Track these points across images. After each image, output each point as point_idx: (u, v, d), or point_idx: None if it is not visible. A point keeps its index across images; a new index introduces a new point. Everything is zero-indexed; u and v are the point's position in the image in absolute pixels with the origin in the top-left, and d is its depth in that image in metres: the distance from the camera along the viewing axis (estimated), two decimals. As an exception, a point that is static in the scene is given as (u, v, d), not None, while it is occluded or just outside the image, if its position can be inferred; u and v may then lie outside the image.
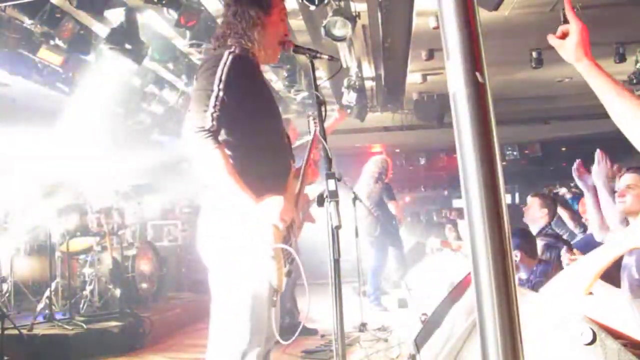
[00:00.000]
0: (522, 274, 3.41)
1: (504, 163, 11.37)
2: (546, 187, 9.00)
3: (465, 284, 2.61)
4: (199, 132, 1.92)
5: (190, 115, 1.99)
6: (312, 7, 4.58)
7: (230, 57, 2.05)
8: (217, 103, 1.96)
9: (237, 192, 1.94)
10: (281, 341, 2.10)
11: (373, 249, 6.37)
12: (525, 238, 3.58)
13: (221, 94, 1.97)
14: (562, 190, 7.25)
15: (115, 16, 5.02)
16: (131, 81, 6.80)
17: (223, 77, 2.00)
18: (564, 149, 12.78)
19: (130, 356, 4.27)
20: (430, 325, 2.88)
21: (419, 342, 2.81)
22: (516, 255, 3.34)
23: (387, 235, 6.43)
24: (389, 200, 6.57)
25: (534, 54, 6.43)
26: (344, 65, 6.54)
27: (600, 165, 3.01)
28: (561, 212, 4.84)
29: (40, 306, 4.74)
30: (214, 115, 1.95)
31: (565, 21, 1.59)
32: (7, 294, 5.19)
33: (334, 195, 1.97)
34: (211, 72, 2.01)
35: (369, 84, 8.53)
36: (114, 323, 4.59)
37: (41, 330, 4.38)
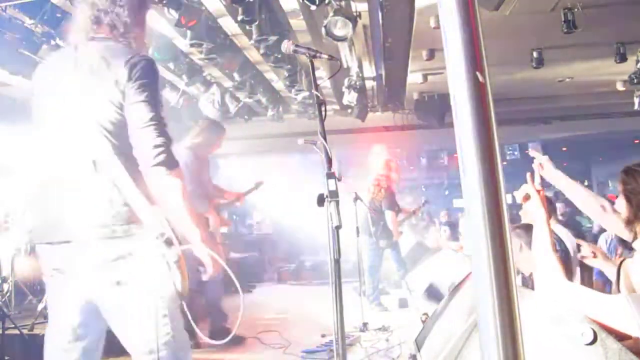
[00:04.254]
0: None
1: (504, 163, 11.37)
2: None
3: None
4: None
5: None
6: (313, 7, 4.58)
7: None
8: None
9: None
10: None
11: (368, 250, 6.35)
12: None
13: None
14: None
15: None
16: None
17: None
18: (564, 149, 12.78)
19: (130, 356, 4.26)
20: (430, 324, 2.89)
21: (420, 341, 2.81)
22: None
23: (382, 237, 6.41)
24: (387, 208, 6.45)
25: (535, 54, 6.43)
26: (345, 65, 6.53)
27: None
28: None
29: (40, 306, 4.74)
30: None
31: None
32: (7, 294, 5.19)
33: (334, 195, 1.97)
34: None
35: (369, 83, 8.53)
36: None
37: (42, 330, 4.38)
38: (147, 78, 1.87)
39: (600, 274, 4.29)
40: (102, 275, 1.83)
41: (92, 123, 1.85)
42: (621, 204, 2.31)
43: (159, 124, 1.85)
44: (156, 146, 1.82)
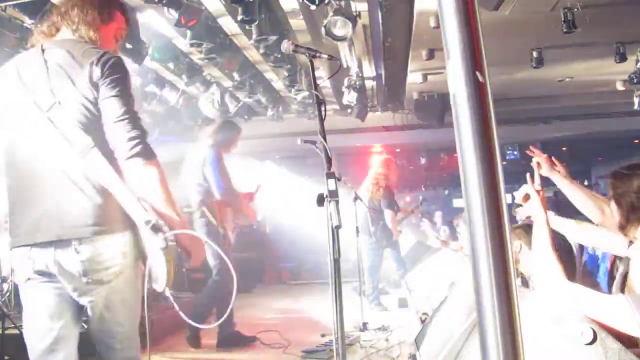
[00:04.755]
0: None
1: (505, 163, 11.37)
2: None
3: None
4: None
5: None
6: (313, 7, 4.58)
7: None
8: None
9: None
10: None
11: (368, 250, 6.35)
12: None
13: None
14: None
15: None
16: (131, 81, 6.79)
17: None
18: (564, 149, 12.77)
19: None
20: (430, 324, 2.89)
21: (420, 341, 2.81)
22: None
23: (382, 237, 6.41)
24: (386, 208, 6.44)
25: (535, 54, 6.42)
26: (345, 65, 6.53)
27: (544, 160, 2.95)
28: None
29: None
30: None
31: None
32: (7, 294, 5.19)
33: (334, 195, 1.97)
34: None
35: (369, 83, 8.53)
36: (114, 323, 4.58)
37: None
38: (118, 74, 1.91)
39: (592, 260, 4.31)
40: (90, 276, 1.86)
41: (69, 121, 1.86)
42: (613, 209, 2.28)
43: (133, 118, 1.88)
44: (131, 139, 1.84)
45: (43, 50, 2.01)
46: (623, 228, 2.20)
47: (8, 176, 1.98)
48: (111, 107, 1.87)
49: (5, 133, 2.00)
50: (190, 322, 2.10)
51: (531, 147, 3.04)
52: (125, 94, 1.90)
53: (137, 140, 1.85)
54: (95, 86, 1.88)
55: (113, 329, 1.96)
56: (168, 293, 1.89)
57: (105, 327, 1.96)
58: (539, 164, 2.75)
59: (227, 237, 4.78)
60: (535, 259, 2.19)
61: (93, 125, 1.87)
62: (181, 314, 1.97)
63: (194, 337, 4.56)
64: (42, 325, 1.93)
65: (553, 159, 2.92)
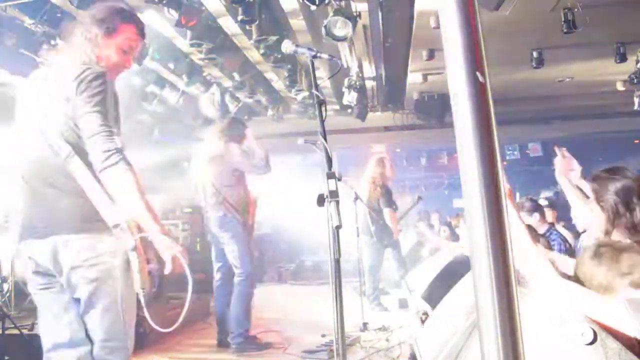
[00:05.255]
0: None
1: (504, 163, 11.37)
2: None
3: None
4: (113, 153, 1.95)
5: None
6: (313, 7, 4.58)
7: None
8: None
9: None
10: None
11: (368, 249, 6.35)
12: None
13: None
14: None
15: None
16: (132, 81, 6.80)
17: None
18: (564, 149, 12.76)
19: (130, 356, 4.27)
20: (430, 324, 2.88)
21: (420, 341, 2.81)
22: None
23: (382, 236, 6.41)
24: (384, 206, 6.44)
25: (535, 54, 6.43)
26: (345, 65, 6.53)
27: (562, 161, 2.94)
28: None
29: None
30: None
31: None
32: (7, 294, 5.20)
33: (334, 195, 1.97)
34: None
35: (369, 83, 8.54)
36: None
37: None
38: (94, 90, 1.99)
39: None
40: (77, 272, 2.00)
41: (54, 132, 2.02)
42: (596, 212, 2.27)
43: (107, 132, 1.96)
44: (105, 151, 1.93)
45: (50, 65, 2.23)
46: (608, 233, 2.18)
47: (22, 177, 2.16)
48: (86, 123, 1.96)
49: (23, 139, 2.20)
50: (160, 329, 2.11)
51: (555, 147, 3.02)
52: (99, 110, 1.97)
53: (109, 153, 1.93)
54: (73, 102, 1.98)
55: (99, 326, 2.03)
56: (140, 294, 1.98)
57: (92, 325, 2.04)
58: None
59: (252, 235, 4.75)
60: (524, 256, 2.17)
61: (73, 137, 2.01)
62: (150, 321, 2.02)
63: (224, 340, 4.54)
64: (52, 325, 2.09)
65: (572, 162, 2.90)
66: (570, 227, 4.94)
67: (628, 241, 2.07)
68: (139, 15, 2.38)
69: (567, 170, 2.85)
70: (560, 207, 5.43)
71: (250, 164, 4.67)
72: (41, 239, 2.03)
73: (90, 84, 1.98)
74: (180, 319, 2.05)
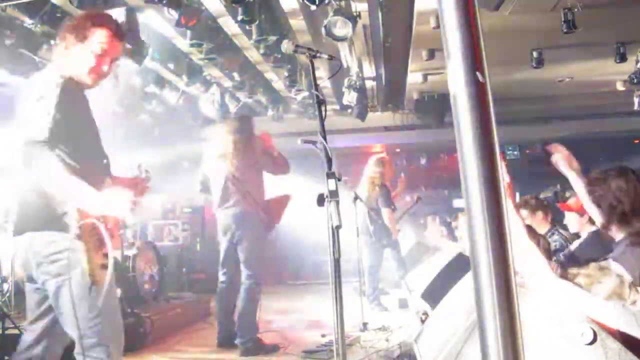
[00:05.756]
0: None
1: (505, 163, 11.30)
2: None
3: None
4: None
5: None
6: (313, 7, 4.58)
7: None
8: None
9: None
10: None
11: (367, 249, 6.35)
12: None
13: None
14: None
15: (116, 16, 5.01)
16: (132, 81, 6.80)
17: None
18: (558, 144, 12.75)
19: (130, 356, 4.27)
20: (430, 324, 2.88)
21: (420, 341, 2.81)
22: None
23: (381, 236, 6.41)
24: (383, 206, 6.43)
25: (535, 54, 6.43)
26: (345, 65, 6.54)
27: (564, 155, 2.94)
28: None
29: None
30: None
31: None
32: (7, 294, 5.19)
33: (334, 194, 1.97)
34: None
35: (369, 83, 8.53)
36: (114, 323, 4.56)
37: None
38: (44, 94, 2.08)
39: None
40: (41, 269, 2.08)
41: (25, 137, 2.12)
42: (593, 212, 2.33)
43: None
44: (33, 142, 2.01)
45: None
46: (605, 227, 2.26)
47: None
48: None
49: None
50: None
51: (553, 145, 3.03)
52: (44, 112, 2.05)
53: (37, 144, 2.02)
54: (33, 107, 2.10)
55: (70, 323, 2.07)
56: (94, 290, 2.01)
57: (64, 322, 2.10)
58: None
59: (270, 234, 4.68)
60: (521, 255, 2.17)
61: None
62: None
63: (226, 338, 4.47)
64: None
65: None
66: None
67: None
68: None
69: (572, 163, 2.86)
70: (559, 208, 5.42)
71: (272, 163, 4.65)
72: (19, 235, 2.13)
73: (41, 89, 2.09)
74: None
